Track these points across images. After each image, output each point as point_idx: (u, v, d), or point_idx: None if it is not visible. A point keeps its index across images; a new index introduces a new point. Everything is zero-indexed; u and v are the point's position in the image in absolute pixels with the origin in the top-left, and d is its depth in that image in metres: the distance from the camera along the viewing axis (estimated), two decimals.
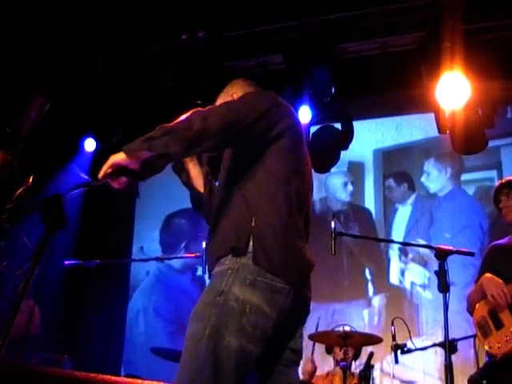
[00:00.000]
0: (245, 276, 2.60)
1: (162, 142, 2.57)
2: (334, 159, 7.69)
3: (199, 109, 2.71)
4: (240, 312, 2.55)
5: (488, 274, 4.58)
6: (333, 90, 7.31)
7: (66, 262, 5.66)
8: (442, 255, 3.94)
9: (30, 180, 5.70)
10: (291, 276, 2.71)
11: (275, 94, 2.94)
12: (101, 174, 2.63)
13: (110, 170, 2.62)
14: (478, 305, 4.61)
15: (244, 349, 2.53)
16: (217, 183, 3.08)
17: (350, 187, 8.08)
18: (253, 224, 2.67)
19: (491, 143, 6.90)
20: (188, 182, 3.19)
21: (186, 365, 2.52)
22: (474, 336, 4.64)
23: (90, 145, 7.90)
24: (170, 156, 2.64)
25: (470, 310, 4.68)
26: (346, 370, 5.27)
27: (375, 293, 7.38)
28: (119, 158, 2.61)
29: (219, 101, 3.15)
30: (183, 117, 2.68)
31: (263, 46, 7.61)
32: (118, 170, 2.62)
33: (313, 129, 7.62)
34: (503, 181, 4.90)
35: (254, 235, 2.66)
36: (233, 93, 3.15)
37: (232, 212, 2.76)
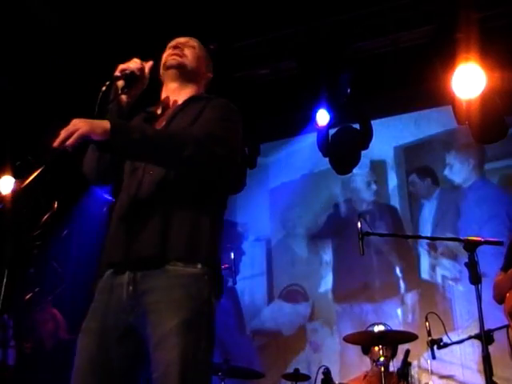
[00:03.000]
0: (213, 286, 2.70)
1: (148, 152, 2.65)
2: (355, 160, 7.68)
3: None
4: (214, 323, 2.67)
5: None
6: (348, 90, 7.30)
7: None
8: (470, 247, 3.91)
9: (55, 206, 5.74)
10: None
11: None
12: (72, 140, 2.49)
13: (77, 140, 2.49)
14: (508, 294, 4.57)
15: None
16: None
17: (373, 186, 8.06)
18: (219, 239, 2.81)
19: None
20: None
21: (192, 377, 2.53)
22: (508, 326, 4.61)
23: None
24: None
25: (499, 298, 4.64)
26: (384, 369, 5.23)
27: (407, 290, 7.34)
28: (97, 129, 2.52)
29: (195, 61, 3.09)
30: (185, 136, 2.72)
31: (275, 52, 7.61)
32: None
33: (331, 131, 7.62)
34: None
35: (218, 250, 2.79)
36: (209, 69, 3.24)
37: (200, 217, 2.75)
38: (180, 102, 2.99)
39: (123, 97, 2.84)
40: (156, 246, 2.63)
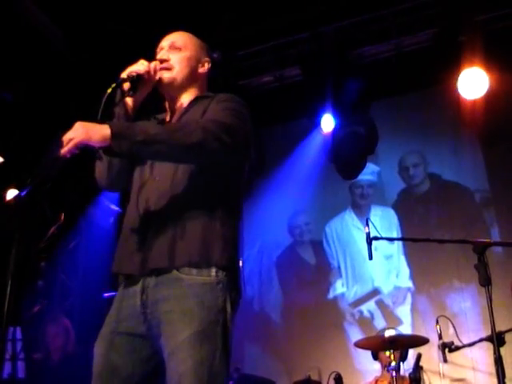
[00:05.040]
0: (230, 292, 2.64)
1: (154, 149, 2.53)
2: (360, 165, 7.68)
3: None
4: (231, 331, 2.63)
5: None
6: (353, 95, 7.29)
7: (106, 295, 5.67)
8: (479, 249, 3.88)
9: (62, 218, 5.74)
10: None
11: None
12: (68, 149, 2.44)
13: (71, 149, 2.44)
14: None
15: None
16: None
17: (380, 191, 8.02)
18: (234, 241, 2.72)
19: None
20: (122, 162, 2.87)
21: None
22: None
23: None
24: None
25: None
26: (395, 373, 5.20)
27: (417, 293, 7.30)
28: (95, 136, 2.44)
29: (185, 52, 3.02)
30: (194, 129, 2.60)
31: (279, 59, 7.64)
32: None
33: (337, 137, 7.60)
34: None
35: (233, 253, 2.71)
36: (204, 61, 3.14)
37: (210, 220, 2.67)
38: (185, 104, 2.95)
39: (128, 100, 2.81)
40: (166, 255, 2.60)
